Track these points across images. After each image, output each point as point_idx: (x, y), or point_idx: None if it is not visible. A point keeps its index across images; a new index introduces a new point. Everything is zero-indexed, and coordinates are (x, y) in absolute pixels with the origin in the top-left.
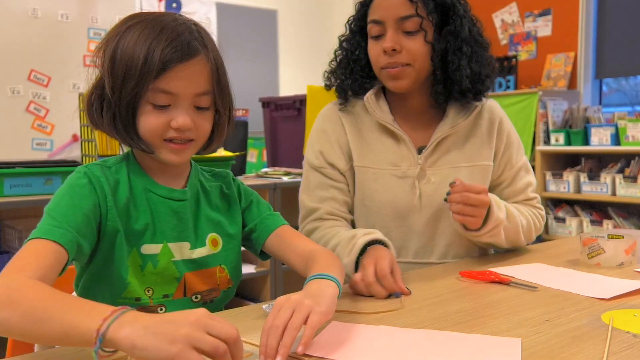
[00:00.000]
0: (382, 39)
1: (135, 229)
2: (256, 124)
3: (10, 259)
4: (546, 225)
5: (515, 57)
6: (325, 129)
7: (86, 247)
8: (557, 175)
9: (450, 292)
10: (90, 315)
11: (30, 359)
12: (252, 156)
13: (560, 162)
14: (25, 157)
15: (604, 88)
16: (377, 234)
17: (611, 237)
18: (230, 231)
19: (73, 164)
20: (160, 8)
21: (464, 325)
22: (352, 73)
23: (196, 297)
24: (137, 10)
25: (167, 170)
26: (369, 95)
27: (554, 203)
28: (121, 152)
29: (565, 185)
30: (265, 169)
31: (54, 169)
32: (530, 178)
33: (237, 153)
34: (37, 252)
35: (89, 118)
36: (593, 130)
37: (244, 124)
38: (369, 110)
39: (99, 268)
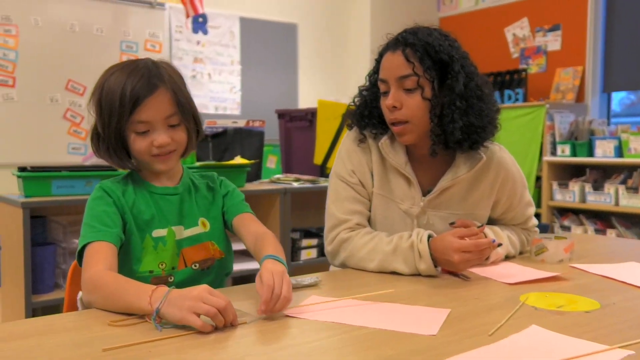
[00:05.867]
0: (388, 94)
1: (144, 219)
2: (277, 133)
3: (55, 249)
4: (552, 234)
5: (525, 70)
6: (356, 150)
7: (122, 236)
8: (563, 185)
9: (408, 278)
10: (139, 296)
11: (77, 315)
12: (271, 162)
13: (566, 173)
14: (62, 161)
15: (633, 98)
16: (422, 232)
17: (557, 238)
18: (214, 214)
19: (109, 168)
20: (188, 23)
21: (412, 300)
22: (371, 116)
23: (195, 266)
24: (166, 25)
25: (161, 175)
26: (384, 141)
27: (560, 212)
28: None
29: (570, 195)
30: (277, 175)
31: (94, 172)
32: (530, 211)
33: (252, 161)
34: (99, 251)
35: (93, 151)
36: (597, 143)
37: (260, 134)
38: (383, 154)
39: (122, 252)
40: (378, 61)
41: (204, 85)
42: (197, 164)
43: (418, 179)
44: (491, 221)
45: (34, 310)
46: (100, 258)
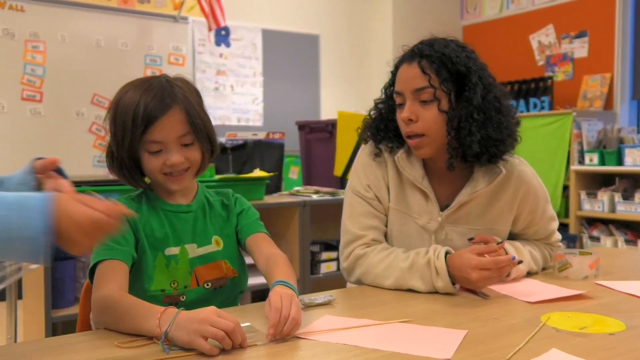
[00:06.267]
0: (403, 107)
1: (157, 236)
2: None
3: (75, 263)
4: (581, 244)
5: (550, 78)
6: (372, 164)
7: (134, 254)
8: (592, 194)
9: (426, 296)
10: (147, 318)
11: (91, 334)
12: (293, 173)
13: (595, 182)
14: (87, 173)
15: None
16: (439, 249)
17: (582, 253)
18: (228, 233)
19: None
20: (210, 37)
21: (429, 320)
22: (387, 130)
23: (207, 285)
24: (190, 38)
25: (175, 192)
26: (400, 155)
27: (589, 222)
28: None
29: (599, 204)
30: (297, 188)
31: (113, 187)
32: (554, 226)
33: (271, 173)
34: (110, 270)
35: (107, 168)
36: (627, 151)
37: (280, 146)
38: (399, 169)
39: (134, 270)
40: (394, 73)
41: (227, 97)
42: (216, 177)
43: (435, 194)
44: (513, 236)
45: (54, 325)
46: (111, 277)
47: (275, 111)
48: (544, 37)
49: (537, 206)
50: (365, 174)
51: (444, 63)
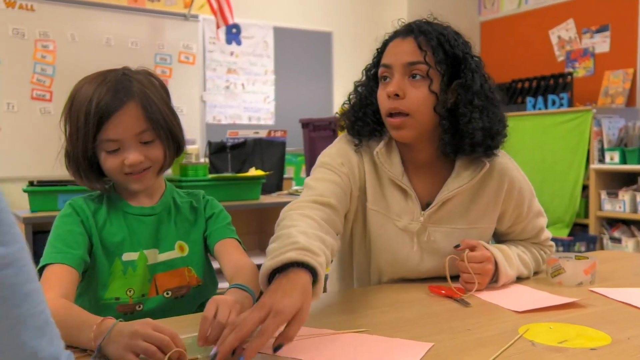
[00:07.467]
0: (389, 82)
1: (114, 241)
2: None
3: None
4: (601, 246)
5: (570, 74)
6: (349, 150)
7: (87, 258)
8: (613, 194)
9: (402, 303)
10: (81, 329)
11: None
12: (304, 172)
13: (616, 181)
14: None
15: None
16: (309, 257)
17: (578, 258)
18: (194, 238)
19: None
20: (220, 34)
21: (395, 330)
22: (365, 116)
23: (167, 294)
24: (200, 37)
25: (139, 193)
26: (379, 149)
27: (610, 223)
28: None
29: (620, 204)
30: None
31: None
32: (542, 222)
33: (267, 172)
34: (55, 275)
35: (66, 169)
36: None
37: (282, 144)
38: (378, 164)
39: (87, 276)
40: (380, 52)
41: (238, 96)
42: (210, 176)
43: (415, 192)
44: (500, 237)
45: None
46: (56, 283)
47: (287, 110)
48: (564, 32)
49: (523, 201)
50: (340, 154)
51: (442, 43)
